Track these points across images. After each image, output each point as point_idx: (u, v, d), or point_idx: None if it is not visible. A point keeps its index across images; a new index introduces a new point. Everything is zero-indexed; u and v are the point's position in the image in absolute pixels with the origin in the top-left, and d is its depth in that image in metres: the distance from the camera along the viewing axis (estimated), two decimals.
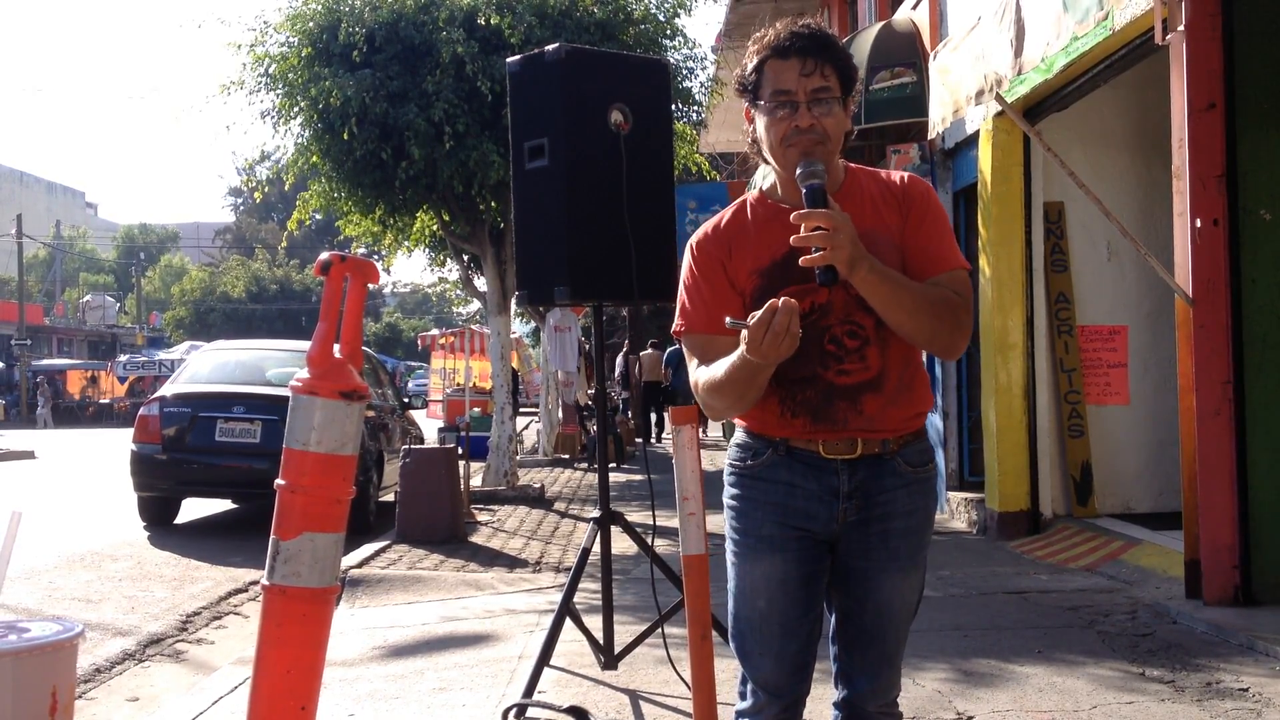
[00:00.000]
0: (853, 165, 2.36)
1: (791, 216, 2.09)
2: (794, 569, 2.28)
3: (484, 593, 6.61)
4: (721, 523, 2.45)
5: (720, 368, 2.21)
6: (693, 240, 2.38)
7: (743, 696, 2.38)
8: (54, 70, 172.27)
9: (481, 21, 9.94)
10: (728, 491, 2.38)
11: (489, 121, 10.05)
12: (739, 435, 2.39)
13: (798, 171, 2.17)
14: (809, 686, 2.37)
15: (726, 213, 2.39)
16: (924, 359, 2.40)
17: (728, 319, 2.12)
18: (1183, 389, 5.85)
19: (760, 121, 2.27)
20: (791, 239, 2.09)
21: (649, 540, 4.49)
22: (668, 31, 11.24)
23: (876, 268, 2.12)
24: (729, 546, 2.37)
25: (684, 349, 2.38)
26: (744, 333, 2.07)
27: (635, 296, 4.29)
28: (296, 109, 10.50)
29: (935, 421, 9.78)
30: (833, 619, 2.40)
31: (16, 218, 44.23)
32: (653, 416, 21.10)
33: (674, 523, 2.44)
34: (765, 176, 2.41)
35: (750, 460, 2.33)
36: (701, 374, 2.28)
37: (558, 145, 4.22)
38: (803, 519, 2.28)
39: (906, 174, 2.38)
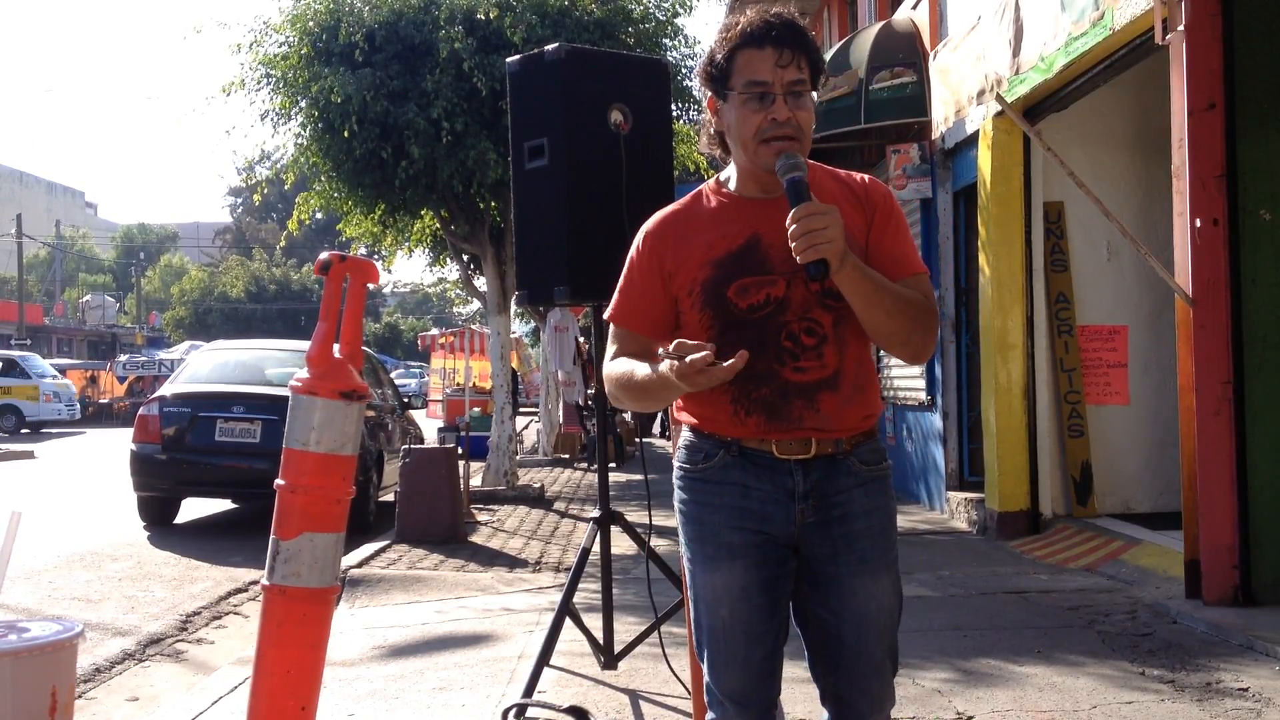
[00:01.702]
0: (811, 163, 2.30)
1: (789, 219, 2.05)
2: (754, 574, 2.20)
3: (484, 593, 6.61)
4: None
5: (638, 370, 2.20)
6: (644, 227, 2.35)
7: (710, 706, 2.29)
8: (54, 70, 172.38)
9: (481, 17, 9.95)
10: (679, 496, 2.31)
11: (488, 121, 10.06)
12: (686, 436, 2.31)
13: (778, 164, 2.13)
14: (778, 692, 2.29)
15: (682, 200, 2.35)
16: (876, 360, 2.36)
17: (660, 349, 2.09)
18: (1183, 389, 5.86)
19: (731, 113, 2.20)
20: (789, 237, 2.04)
21: (648, 540, 4.49)
22: (668, 31, 11.24)
23: (860, 265, 2.10)
24: (685, 554, 2.29)
25: (609, 332, 2.36)
26: (668, 362, 2.03)
27: None
28: (296, 109, 10.52)
29: (935, 421, 9.79)
30: (808, 647, 2.31)
31: (16, 218, 44.24)
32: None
33: (673, 522, 2.43)
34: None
35: (701, 463, 2.26)
36: (616, 366, 2.27)
37: (558, 145, 4.21)
38: (759, 521, 2.21)
39: (866, 176, 2.35)
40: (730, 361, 2.01)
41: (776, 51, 2.15)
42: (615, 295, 2.36)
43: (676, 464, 2.33)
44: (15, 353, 30.62)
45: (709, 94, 2.26)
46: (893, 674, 2.29)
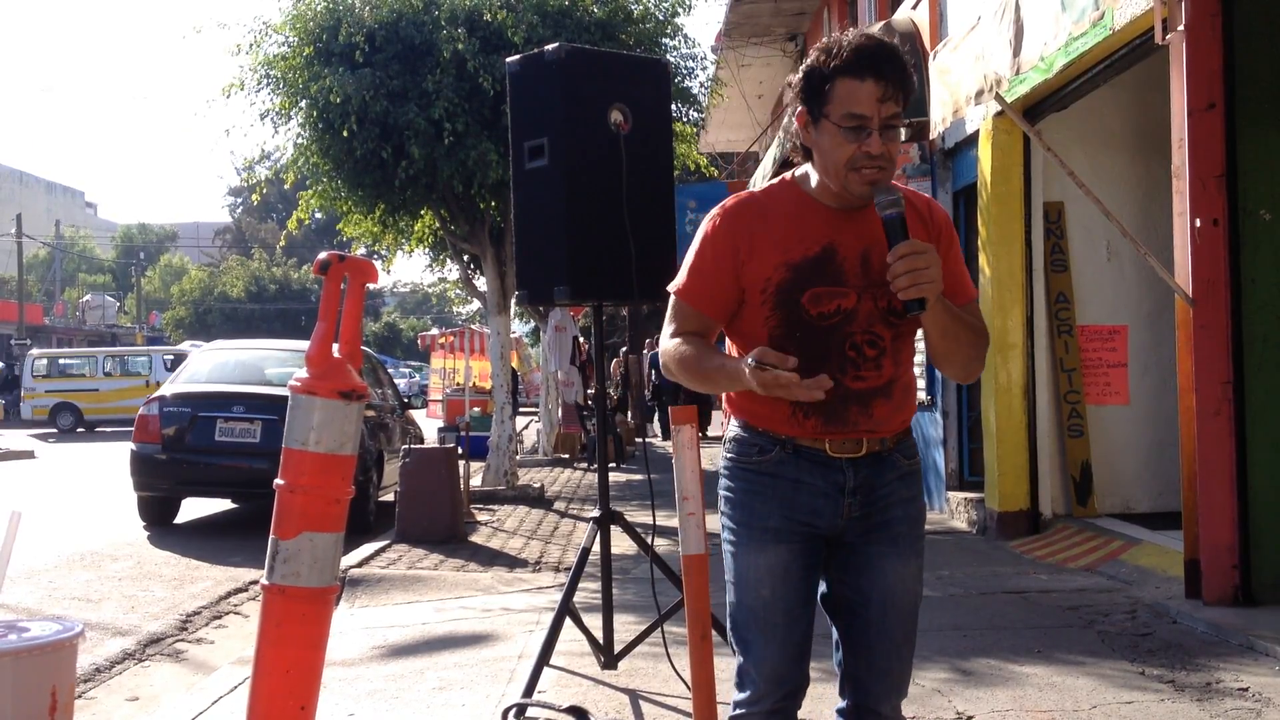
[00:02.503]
0: None
1: (890, 256, 2.13)
2: (797, 559, 2.32)
3: (484, 592, 6.61)
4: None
5: (706, 358, 2.28)
6: (721, 205, 2.37)
7: (740, 687, 2.36)
8: (54, 70, 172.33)
9: (487, 18, 9.96)
10: (727, 485, 2.39)
11: (489, 121, 10.06)
12: (737, 430, 2.39)
13: (876, 199, 2.19)
14: (807, 677, 2.38)
15: (758, 190, 2.40)
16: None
17: (750, 359, 2.13)
18: (1183, 389, 5.85)
19: (824, 137, 2.22)
20: (889, 274, 2.13)
21: (649, 540, 4.49)
22: (667, 30, 11.24)
23: (944, 300, 2.23)
24: (727, 537, 2.38)
25: (670, 305, 2.39)
26: (753, 369, 2.11)
27: (635, 296, 4.29)
28: (296, 109, 10.52)
29: (935, 421, 9.78)
30: (834, 631, 2.41)
31: (16, 218, 44.21)
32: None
33: (674, 522, 2.45)
34: (802, 173, 2.39)
35: (757, 456, 2.34)
36: (679, 346, 2.32)
37: (558, 145, 4.21)
38: (808, 514, 2.32)
39: (932, 200, 2.44)
40: (817, 379, 2.11)
41: (879, 86, 2.17)
42: (684, 270, 2.38)
43: (726, 455, 2.41)
44: (185, 347, 30.86)
45: (800, 107, 2.27)
46: (909, 662, 2.39)
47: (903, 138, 2.26)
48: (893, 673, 2.35)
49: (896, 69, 2.19)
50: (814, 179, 2.32)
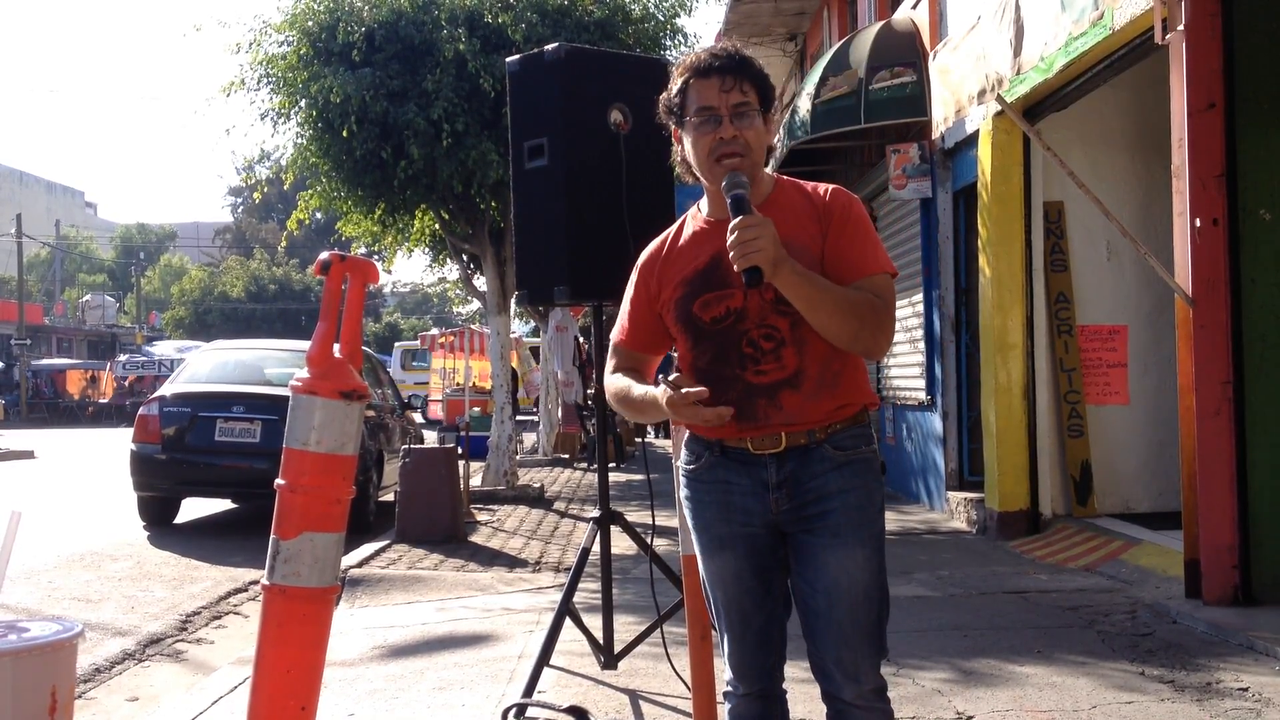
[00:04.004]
0: (782, 178, 2.49)
1: (728, 232, 2.22)
2: (745, 563, 2.44)
3: (484, 592, 6.61)
4: None
5: (634, 388, 2.46)
6: (641, 256, 2.57)
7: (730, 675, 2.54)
8: (56, 70, 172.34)
9: (488, 19, 9.97)
10: (681, 491, 2.56)
11: (489, 121, 10.06)
12: (687, 438, 2.54)
13: (723, 184, 2.32)
14: (774, 664, 2.50)
15: (672, 228, 2.57)
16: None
17: (659, 378, 2.34)
18: (1183, 389, 5.86)
19: (687, 139, 2.42)
20: (728, 245, 2.22)
21: (649, 540, 4.49)
22: (668, 31, 11.25)
23: (798, 270, 2.25)
24: (694, 540, 2.55)
25: (610, 349, 2.61)
26: (665, 389, 2.28)
27: None
28: (296, 108, 10.52)
29: (935, 421, 9.79)
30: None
31: (16, 218, 44.21)
32: None
33: (674, 522, 2.48)
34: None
35: (695, 463, 2.50)
36: (616, 380, 2.53)
37: (557, 145, 4.21)
38: (742, 514, 2.42)
39: (832, 187, 2.48)
40: (719, 409, 2.26)
41: (720, 79, 2.36)
42: (620, 320, 2.60)
43: (680, 464, 2.56)
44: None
45: (673, 126, 2.48)
46: (871, 650, 2.42)
47: (759, 123, 2.38)
48: (846, 661, 2.38)
49: (736, 63, 2.38)
50: (706, 200, 2.49)
